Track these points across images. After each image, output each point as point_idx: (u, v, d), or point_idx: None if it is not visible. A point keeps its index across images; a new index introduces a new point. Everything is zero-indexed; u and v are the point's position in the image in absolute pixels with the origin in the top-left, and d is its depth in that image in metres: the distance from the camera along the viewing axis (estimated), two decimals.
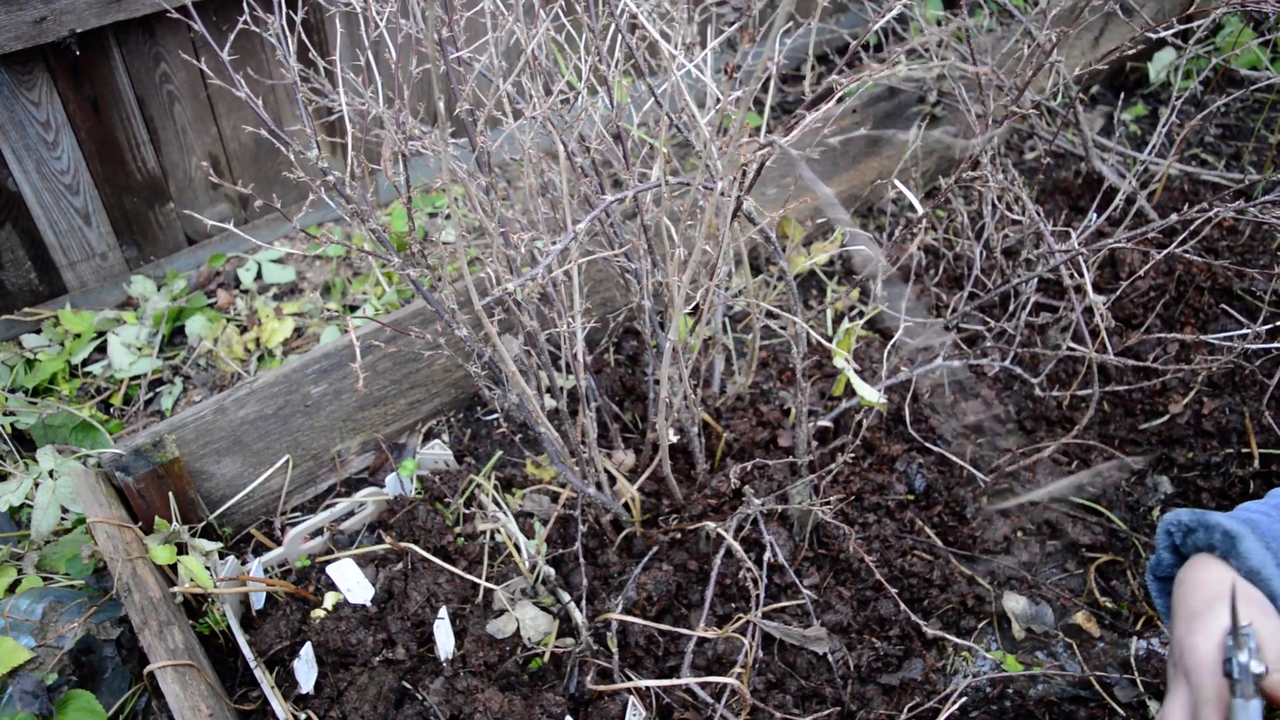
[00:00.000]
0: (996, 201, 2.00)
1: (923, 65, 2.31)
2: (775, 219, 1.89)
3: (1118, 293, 1.78)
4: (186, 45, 2.01)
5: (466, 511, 1.67)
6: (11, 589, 1.58)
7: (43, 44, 1.81)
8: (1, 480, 1.74)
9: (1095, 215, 1.74)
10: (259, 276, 2.31)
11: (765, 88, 2.59)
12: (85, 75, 1.93)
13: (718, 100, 1.30)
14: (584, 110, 1.32)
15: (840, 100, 1.15)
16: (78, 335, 2.10)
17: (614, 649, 1.47)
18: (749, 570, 1.42)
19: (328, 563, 1.58)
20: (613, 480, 1.57)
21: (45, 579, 1.59)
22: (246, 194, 2.27)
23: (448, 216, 2.48)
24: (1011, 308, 1.82)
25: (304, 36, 1.35)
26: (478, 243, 2.01)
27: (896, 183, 1.47)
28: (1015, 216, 2.01)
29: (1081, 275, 1.63)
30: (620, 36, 1.27)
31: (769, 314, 1.92)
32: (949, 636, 1.51)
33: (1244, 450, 1.79)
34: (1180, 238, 1.72)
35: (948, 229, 2.32)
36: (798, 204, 2.26)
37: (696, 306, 1.39)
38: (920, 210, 1.50)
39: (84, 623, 1.47)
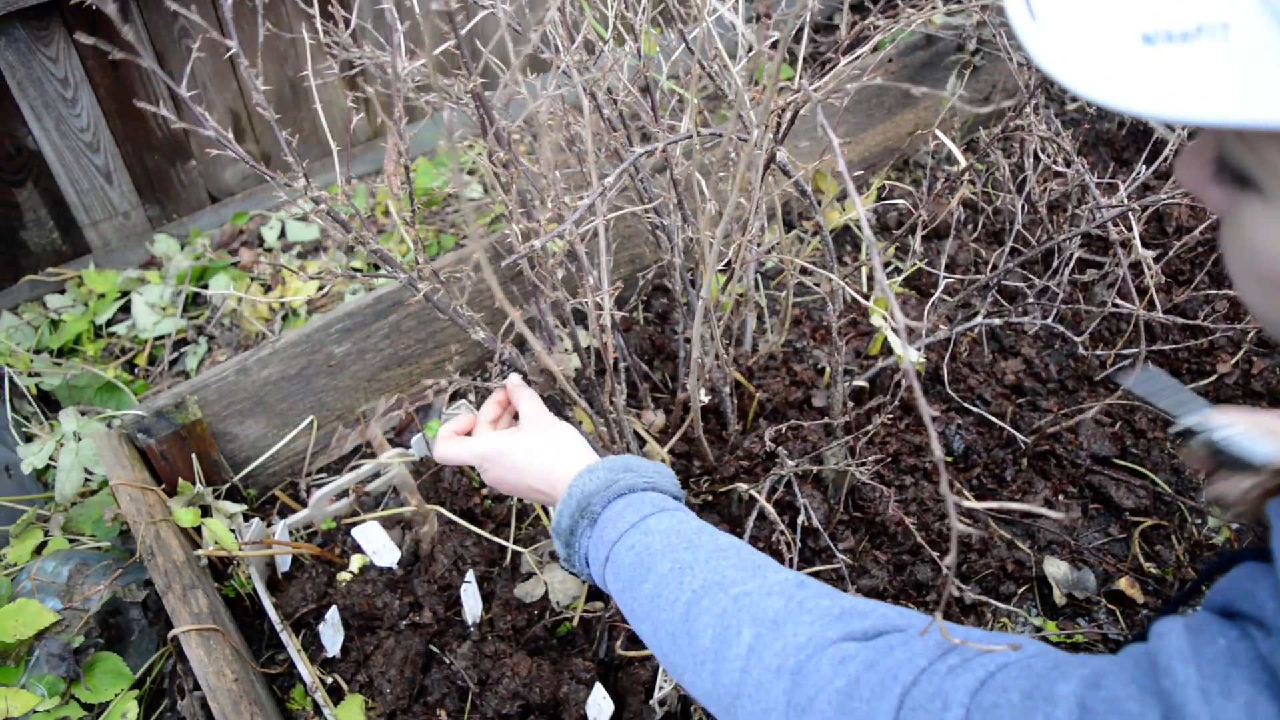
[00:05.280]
0: (1039, 154, 1.93)
1: (961, 12, 2.23)
2: (809, 171, 1.83)
3: (1167, 249, 1.71)
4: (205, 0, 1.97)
5: None
6: (39, 551, 1.57)
7: None
8: (28, 441, 1.73)
9: (1144, 168, 1.66)
10: (282, 234, 2.28)
11: (798, 38, 2.51)
12: (103, 31, 1.89)
13: (750, 49, 1.24)
14: (610, 60, 1.27)
15: (876, 49, 1.09)
16: (102, 295, 2.08)
17: None
18: (783, 533, 1.39)
19: (353, 525, 1.56)
20: (642, 442, 1.54)
21: (71, 541, 1.58)
22: (268, 151, 2.23)
23: (470, 173, 2.43)
24: (1055, 264, 1.75)
25: None
26: (502, 199, 1.96)
27: (938, 133, 1.40)
28: (1058, 169, 1.93)
29: (1129, 230, 1.57)
30: None
31: (803, 270, 1.86)
32: (990, 601, 1.47)
33: None
34: None
35: (987, 183, 2.25)
36: (832, 157, 2.19)
37: (729, 263, 1.34)
38: (962, 162, 1.43)
39: (110, 585, 1.46)
